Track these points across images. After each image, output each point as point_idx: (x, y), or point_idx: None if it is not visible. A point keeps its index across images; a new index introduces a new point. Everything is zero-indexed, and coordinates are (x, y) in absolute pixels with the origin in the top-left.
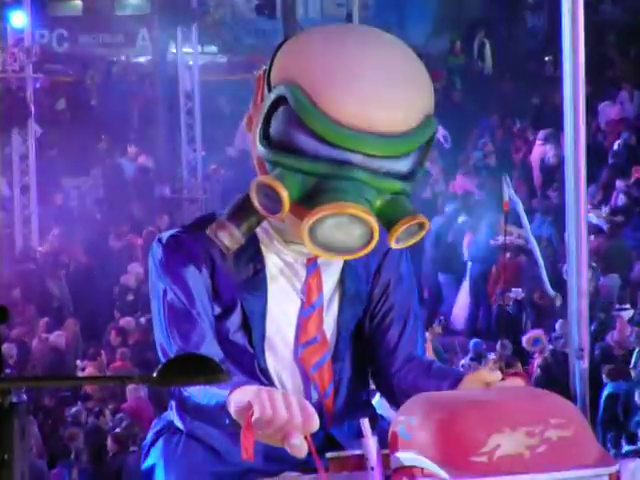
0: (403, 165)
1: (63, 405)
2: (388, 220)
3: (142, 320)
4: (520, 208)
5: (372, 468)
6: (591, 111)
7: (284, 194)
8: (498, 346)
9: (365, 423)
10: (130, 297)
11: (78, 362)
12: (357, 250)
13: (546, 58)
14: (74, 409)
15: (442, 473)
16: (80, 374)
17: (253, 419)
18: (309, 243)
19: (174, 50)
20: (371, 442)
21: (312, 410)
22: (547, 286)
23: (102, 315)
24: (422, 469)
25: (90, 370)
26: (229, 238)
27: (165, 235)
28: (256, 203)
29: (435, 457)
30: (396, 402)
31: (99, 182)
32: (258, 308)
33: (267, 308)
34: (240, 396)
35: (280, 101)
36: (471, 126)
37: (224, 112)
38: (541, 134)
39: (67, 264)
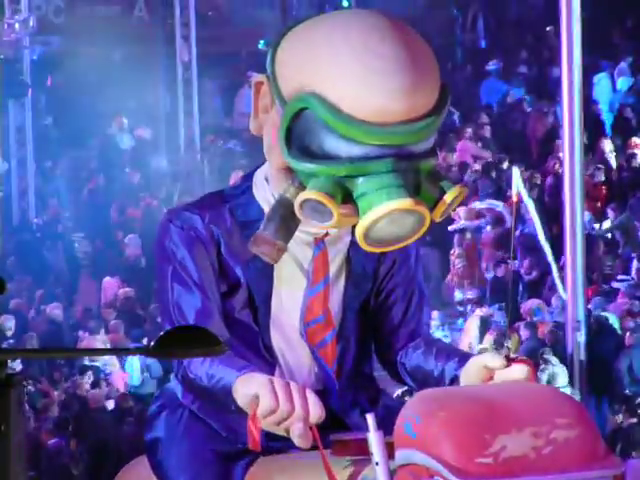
0: (429, 142)
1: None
2: (430, 199)
3: (139, 291)
4: (528, 200)
5: (377, 463)
6: (587, 82)
7: (334, 206)
8: (494, 316)
9: (370, 418)
10: (127, 269)
11: (80, 333)
12: (409, 237)
13: (547, 28)
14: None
15: (447, 474)
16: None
17: (258, 410)
18: (364, 244)
19: (171, 21)
20: (377, 437)
21: (317, 401)
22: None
23: (99, 286)
24: (427, 468)
25: (88, 343)
26: (275, 252)
27: (173, 212)
28: (303, 217)
29: (440, 457)
30: (400, 379)
31: (96, 154)
32: (264, 287)
33: (273, 287)
34: (246, 385)
35: (301, 112)
36: (466, 98)
37: (222, 83)
38: (538, 105)
39: (64, 236)
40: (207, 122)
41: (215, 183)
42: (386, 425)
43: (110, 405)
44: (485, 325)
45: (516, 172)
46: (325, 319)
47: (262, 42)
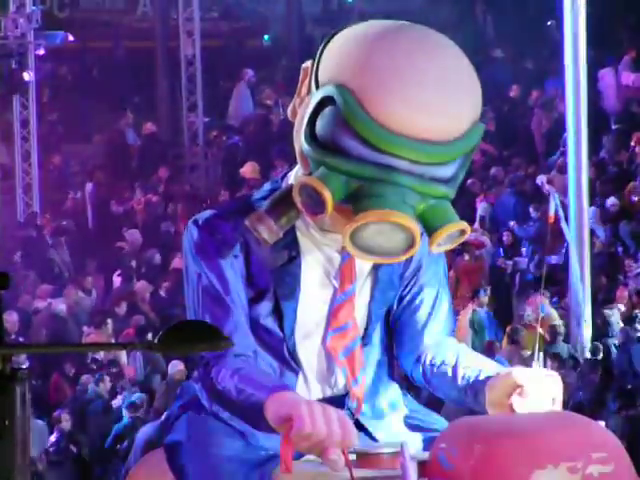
0: (448, 170)
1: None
2: (430, 225)
3: (147, 287)
4: (564, 224)
5: None
6: (592, 77)
7: (328, 197)
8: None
9: (405, 446)
10: (131, 263)
11: (85, 329)
12: (397, 255)
13: (548, 22)
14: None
15: None
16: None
17: (292, 433)
18: (350, 247)
19: (175, 16)
20: (410, 466)
21: (351, 425)
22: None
23: (105, 283)
24: None
25: (94, 337)
26: (268, 232)
27: (201, 218)
28: (298, 203)
29: None
30: (422, 383)
31: (100, 149)
32: (291, 294)
33: (300, 294)
34: (279, 406)
35: (327, 100)
36: None
37: (226, 78)
38: (543, 100)
39: (68, 230)
40: (211, 117)
41: (218, 178)
42: (407, 429)
43: (116, 401)
44: (478, 321)
45: (555, 195)
46: (351, 326)
47: (266, 37)
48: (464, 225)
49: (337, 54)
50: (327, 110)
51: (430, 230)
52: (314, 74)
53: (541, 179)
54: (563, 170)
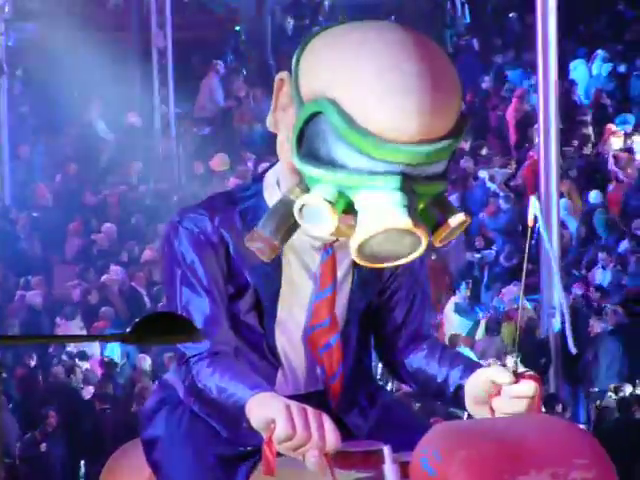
0: (441, 166)
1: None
2: (433, 221)
3: (120, 279)
4: (543, 230)
5: None
6: (564, 69)
7: (332, 214)
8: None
9: (387, 451)
10: (105, 257)
11: (57, 320)
12: (404, 257)
13: (510, 14)
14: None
15: None
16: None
17: (274, 436)
18: (358, 257)
19: (147, 7)
20: (392, 470)
21: (331, 426)
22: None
23: (77, 275)
24: None
25: (66, 329)
26: (269, 250)
27: (182, 214)
28: (300, 221)
29: None
30: (401, 379)
31: (71, 140)
32: (271, 290)
33: (280, 291)
34: (261, 408)
35: (316, 115)
36: None
37: (197, 70)
38: (516, 92)
39: (40, 223)
40: (182, 109)
41: (190, 169)
42: (383, 425)
43: (88, 392)
44: (461, 311)
45: (534, 201)
46: (330, 323)
47: (237, 28)
48: (466, 217)
49: (318, 64)
50: (318, 125)
51: (434, 226)
52: (294, 85)
53: (484, 175)
54: (505, 165)
